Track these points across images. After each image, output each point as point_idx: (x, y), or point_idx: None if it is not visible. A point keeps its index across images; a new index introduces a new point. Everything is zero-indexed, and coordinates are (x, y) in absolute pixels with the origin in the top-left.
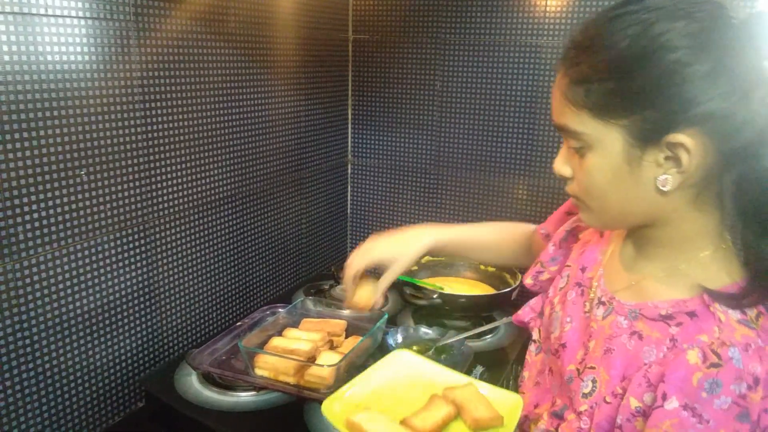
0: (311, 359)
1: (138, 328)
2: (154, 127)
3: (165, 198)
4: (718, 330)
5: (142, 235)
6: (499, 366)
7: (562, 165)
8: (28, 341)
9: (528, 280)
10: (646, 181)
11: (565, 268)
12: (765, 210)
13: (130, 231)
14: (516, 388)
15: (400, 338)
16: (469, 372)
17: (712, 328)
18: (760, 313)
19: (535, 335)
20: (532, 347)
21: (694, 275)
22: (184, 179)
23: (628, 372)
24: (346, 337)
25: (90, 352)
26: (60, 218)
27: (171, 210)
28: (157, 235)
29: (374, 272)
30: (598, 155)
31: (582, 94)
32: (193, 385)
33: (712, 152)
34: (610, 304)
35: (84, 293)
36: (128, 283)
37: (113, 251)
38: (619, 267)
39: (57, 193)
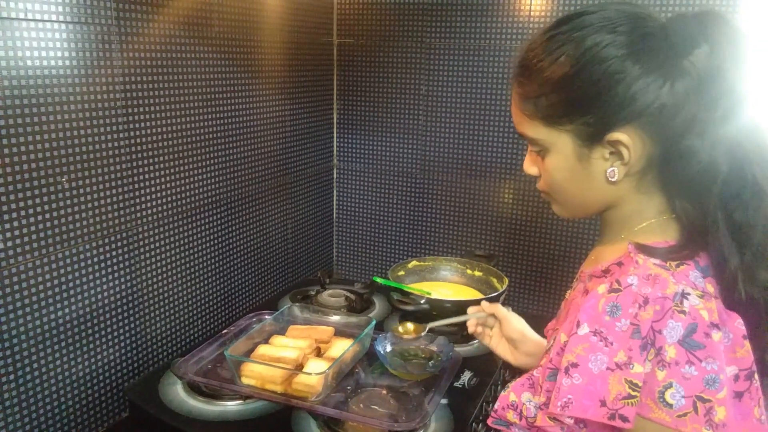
0: (298, 367)
1: (121, 337)
2: (137, 133)
3: (148, 204)
4: (633, 269)
5: (124, 242)
6: (488, 371)
7: (529, 166)
8: (8, 352)
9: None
10: (597, 174)
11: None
12: (688, 183)
13: (112, 238)
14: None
15: (388, 344)
16: (457, 377)
17: (629, 269)
18: (683, 263)
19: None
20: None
21: (632, 239)
22: (167, 185)
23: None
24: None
25: (72, 362)
26: (41, 226)
27: (154, 216)
28: (140, 242)
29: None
30: (554, 157)
31: (532, 107)
32: (178, 394)
33: (650, 143)
34: (580, 277)
35: (66, 302)
36: (111, 292)
37: (95, 259)
38: (594, 249)
39: (38, 200)
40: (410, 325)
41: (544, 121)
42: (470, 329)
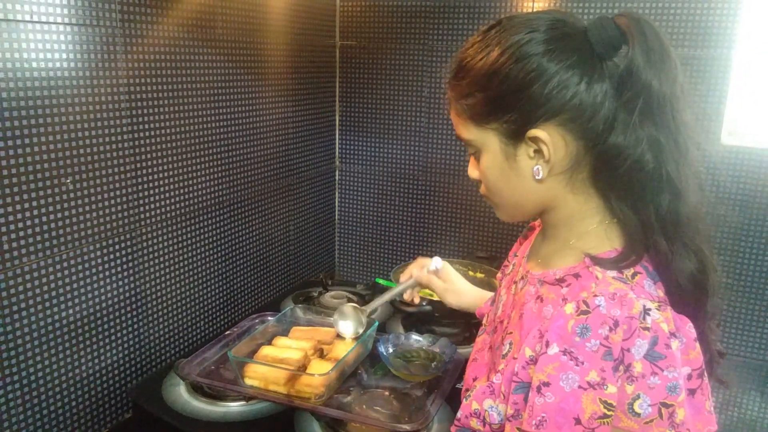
0: (302, 368)
1: (125, 338)
2: (141, 135)
3: (152, 206)
4: (595, 285)
5: (128, 243)
6: None
7: (472, 170)
8: (13, 352)
9: (498, 274)
10: (525, 172)
11: (513, 257)
12: (619, 183)
13: (116, 239)
14: None
15: (390, 346)
16: (459, 379)
17: (590, 285)
18: (637, 272)
19: (484, 320)
20: (479, 331)
21: (582, 246)
22: (171, 187)
23: (530, 330)
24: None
25: (76, 363)
26: (45, 227)
27: (158, 218)
28: (144, 243)
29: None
30: (486, 157)
31: (463, 107)
32: (181, 395)
33: (572, 142)
34: (525, 277)
35: (70, 303)
36: (115, 293)
37: (100, 260)
38: (535, 249)
39: (42, 201)
40: (348, 328)
41: (473, 120)
42: (407, 298)
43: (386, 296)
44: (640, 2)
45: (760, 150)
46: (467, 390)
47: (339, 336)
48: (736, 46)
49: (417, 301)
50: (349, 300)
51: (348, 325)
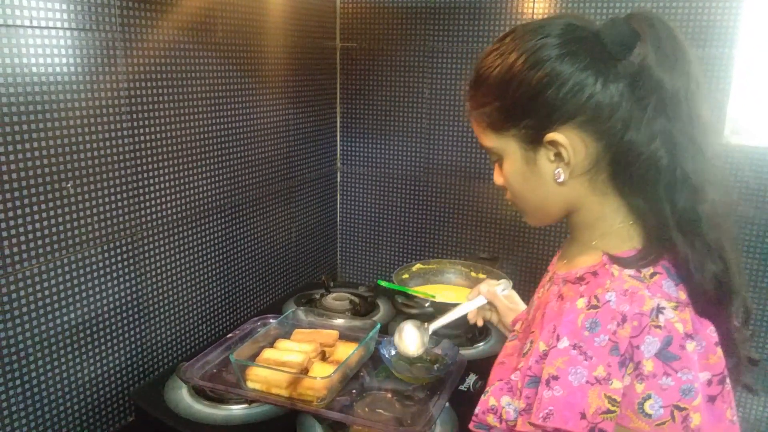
0: (304, 371)
1: (127, 342)
2: (141, 138)
3: (153, 209)
4: (610, 282)
5: (130, 247)
6: None
7: (498, 177)
8: (15, 357)
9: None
10: (547, 176)
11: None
12: (635, 180)
13: (117, 243)
14: None
15: (393, 348)
16: (462, 381)
17: (605, 282)
18: (656, 272)
19: (517, 326)
20: (510, 336)
21: (603, 246)
22: (172, 190)
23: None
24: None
25: (78, 367)
26: (47, 232)
27: (159, 221)
28: (146, 247)
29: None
30: (508, 163)
31: (481, 117)
32: (183, 398)
33: (591, 143)
34: (552, 279)
35: (72, 307)
36: (117, 296)
37: (101, 264)
38: (563, 251)
39: (43, 206)
40: (412, 343)
41: (492, 128)
42: (471, 318)
43: (452, 314)
44: (642, 2)
45: (763, 148)
46: (487, 389)
47: (402, 354)
48: (737, 45)
49: (480, 323)
50: (352, 302)
51: (412, 342)
